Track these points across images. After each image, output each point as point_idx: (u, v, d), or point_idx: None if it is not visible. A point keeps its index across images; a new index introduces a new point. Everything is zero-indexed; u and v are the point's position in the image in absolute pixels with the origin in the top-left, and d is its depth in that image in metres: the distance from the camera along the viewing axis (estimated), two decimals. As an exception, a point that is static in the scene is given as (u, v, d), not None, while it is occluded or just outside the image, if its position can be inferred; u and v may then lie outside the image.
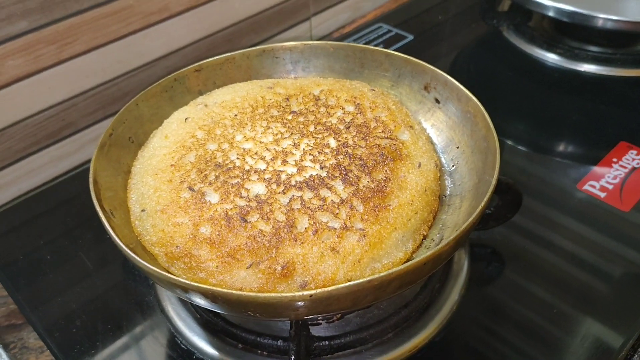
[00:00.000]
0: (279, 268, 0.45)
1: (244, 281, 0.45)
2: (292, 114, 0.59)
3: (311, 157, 0.53)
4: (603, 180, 0.67)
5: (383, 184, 0.51)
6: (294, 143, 0.55)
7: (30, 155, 0.72)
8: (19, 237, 0.66)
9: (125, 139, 0.56)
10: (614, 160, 0.69)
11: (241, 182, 0.50)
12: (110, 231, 0.45)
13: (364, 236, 0.46)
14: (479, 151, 0.54)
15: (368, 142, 0.55)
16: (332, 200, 0.49)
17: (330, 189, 0.50)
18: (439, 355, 0.53)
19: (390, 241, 0.47)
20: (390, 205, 0.49)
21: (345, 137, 0.55)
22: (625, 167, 0.68)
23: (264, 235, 0.46)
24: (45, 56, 0.68)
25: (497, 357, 0.53)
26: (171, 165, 0.53)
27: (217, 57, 0.64)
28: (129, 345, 0.56)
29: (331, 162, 0.52)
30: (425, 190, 0.52)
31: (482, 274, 0.60)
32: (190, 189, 0.50)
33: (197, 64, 0.62)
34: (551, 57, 0.89)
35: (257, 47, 0.66)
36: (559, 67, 0.88)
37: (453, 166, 0.58)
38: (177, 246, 0.47)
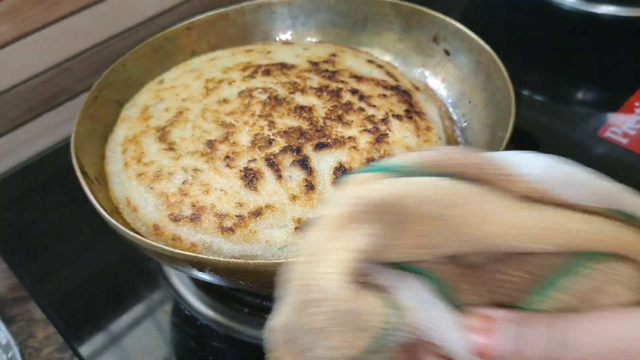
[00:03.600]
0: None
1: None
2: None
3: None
4: (625, 125, 0.63)
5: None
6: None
7: (26, 123, 0.70)
8: (18, 208, 0.65)
9: (112, 102, 0.53)
10: (636, 105, 0.65)
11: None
12: (88, 193, 0.43)
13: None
14: (493, 105, 0.51)
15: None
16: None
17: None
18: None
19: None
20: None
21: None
22: (648, 112, 0.64)
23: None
24: (33, 18, 0.65)
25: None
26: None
27: (209, 13, 0.60)
28: (132, 314, 0.54)
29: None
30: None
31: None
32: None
33: (188, 21, 0.59)
34: (567, 0, 0.84)
35: (252, 2, 0.62)
36: (576, 10, 0.82)
37: (465, 122, 0.54)
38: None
